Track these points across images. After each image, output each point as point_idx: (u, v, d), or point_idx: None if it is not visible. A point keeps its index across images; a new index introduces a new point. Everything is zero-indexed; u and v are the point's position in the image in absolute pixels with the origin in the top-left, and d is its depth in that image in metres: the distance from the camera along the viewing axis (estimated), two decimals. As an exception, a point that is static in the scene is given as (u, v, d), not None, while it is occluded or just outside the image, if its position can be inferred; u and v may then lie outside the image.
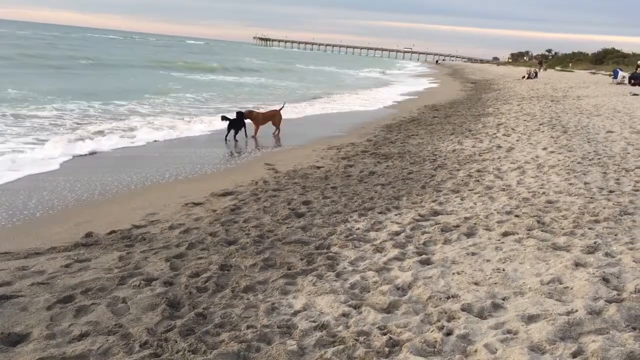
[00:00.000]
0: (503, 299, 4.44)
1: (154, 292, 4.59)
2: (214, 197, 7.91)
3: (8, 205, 7.13)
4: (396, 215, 7.09)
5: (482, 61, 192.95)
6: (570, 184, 8.49)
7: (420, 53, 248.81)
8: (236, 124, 13.49)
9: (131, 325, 4.04)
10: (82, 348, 3.70)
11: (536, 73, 48.72)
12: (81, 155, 10.49)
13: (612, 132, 14.23)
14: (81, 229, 6.32)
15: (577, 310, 4.04)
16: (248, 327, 4.05)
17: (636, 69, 36.42)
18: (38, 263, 5.26)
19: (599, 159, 10.58)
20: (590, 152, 11.27)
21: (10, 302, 4.37)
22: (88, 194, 7.89)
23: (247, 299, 4.60)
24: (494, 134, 14.47)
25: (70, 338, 3.86)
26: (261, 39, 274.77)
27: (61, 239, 5.99)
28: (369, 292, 4.70)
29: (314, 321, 4.16)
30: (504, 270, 5.03)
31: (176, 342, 3.80)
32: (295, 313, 4.33)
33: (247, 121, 13.79)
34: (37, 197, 7.53)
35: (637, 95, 25.54)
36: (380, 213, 7.18)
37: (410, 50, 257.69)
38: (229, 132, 13.39)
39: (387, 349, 3.68)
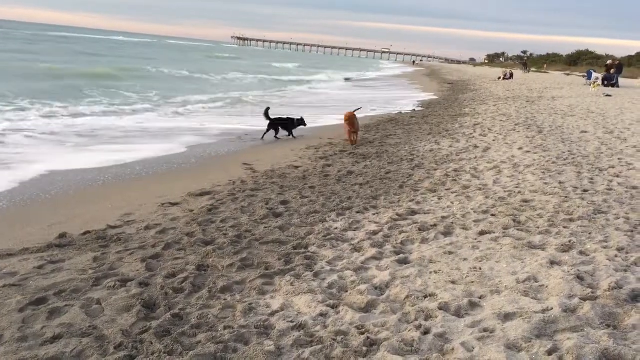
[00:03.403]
0: (480, 298, 4.47)
1: (129, 294, 4.52)
2: (191, 197, 7.84)
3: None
4: (374, 214, 7.10)
5: (459, 62, 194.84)
6: (546, 183, 8.59)
7: (398, 53, 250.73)
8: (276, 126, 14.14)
9: (106, 327, 3.98)
10: (56, 350, 3.64)
11: (512, 74, 49.23)
12: None
13: (586, 132, 14.44)
14: (55, 230, 6.21)
15: (552, 308, 4.08)
16: (225, 328, 4.02)
17: (606, 70, 37.04)
18: (10, 264, 5.15)
19: (573, 158, 10.73)
20: (564, 152, 11.42)
21: (-20, 305, 4.27)
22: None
23: (224, 299, 4.56)
24: (471, 134, 14.58)
25: (42, 340, 3.79)
26: (239, 38, 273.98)
27: (34, 240, 5.87)
28: (347, 291, 4.69)
29: (291, 321, 4.14)
30: (480, 269, 5.07)
31: (152, 343, 3.75)
32: (273, 313, 4.31)
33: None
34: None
35: (610, 96, 25.98)
36: (358, 212, 7.18)
37: (388, 50, 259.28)
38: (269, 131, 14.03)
39: (365, 349, 3.68)
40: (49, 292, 4.53)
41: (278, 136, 14.05)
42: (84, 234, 6.11)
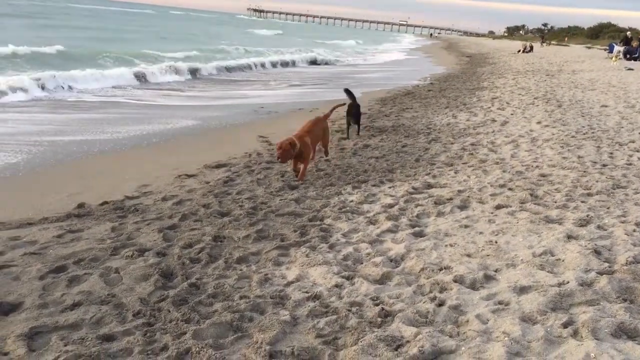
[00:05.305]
0: (495, 271, 4.46)
1: (146, 263, 4.58)
2: (207, 169, 7.87)
3: None
4: (390, 188, 7.09)
5: (477, 35, 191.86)
6: (564, 157, 8.50)
7: (415, 26, 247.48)
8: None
9: (124, 295, 4.05)
10: (75, 317, 3.71)
11: (532, 47, 48.45)
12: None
13: (606, 106, 14.21)
14: (74, 200, 6.28)
15: (568, 282, 4.06)
16: (241, 298, 4.06)
17: (626, 41, 36.25)
18: (30, 233, 5.23)
19: (593, 133, 10.58)
20: (584, 126, 11.27)
21: (2, 272, 4.36)
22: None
23: (240, 269, 4.60)
24: (489, 107, 14.42)
25: (63, 307, 3.86)
26: (255, 10, 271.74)
27: (54, 210, 5.95)
28: (362, 263, 4.71)
29: (306, 292, 4.17)
30: (496, 242, 5.05)
31: (169, 311, 3.81)
32: (288, 284, 4.34)
33: None
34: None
35: (632, 69, 25.47)
36: (373, 186, 7.17)
37: (405, 23, 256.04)
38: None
39: (379, 319, 3.70)
40: (68, 261, 4.61)
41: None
42: (102, 204, 6.18)
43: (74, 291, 4.10)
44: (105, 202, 6.23)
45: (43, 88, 14.56)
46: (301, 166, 7.43)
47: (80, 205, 6.09)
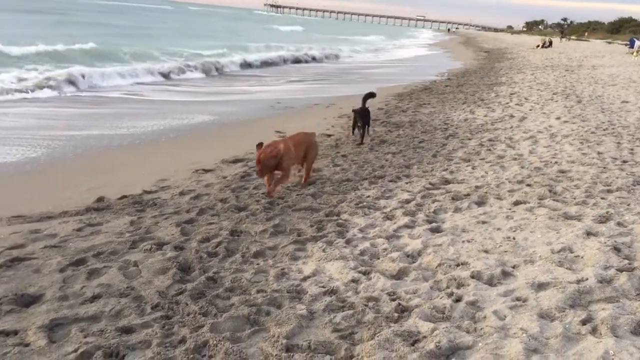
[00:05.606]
0: (513, 267, 4.44)
1: (165, 257, 4.62)
2: (224, 164, 7.91)
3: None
4: (407, 183, 7.07)
5: (496, 30, 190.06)
6: (584, 153, 8.41)
7: (432, 21, 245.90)
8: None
9: (143, 288, 4.09)
10: (95, 309, 3.75)
11: (551, 42, 47.91)
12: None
13: (627, 102, 14.03)
14: (93, 194, 6.35)
15: (587, 279, 4.03)
16: (258, 292, 4.08)
17: None
18: (50, 226, 5.30)
19: (613, 128, 10.46)
20: (604, 122, 11.14)
21: (23, 264, 4.43)
22: (99, 160, 7.89)
23: (257, 264, 4.62)
24: (507, 103, 14.30)
25: (82, 300, 3.91)
26: (272, 5, 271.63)
27: (73, 203, 6.02)
28: (379, 258, 4.71)
29: (323, 286, 4.18)
30: (514, 238, 5.02)
31: (187, 305, 3.84)
32: (305, 278, 4.36)
33: None
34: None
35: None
36: (390, 181, 7.15)
37: (423, 18, 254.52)
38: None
39: (396, 315, 3.71)
40: (87, 254, 4.66)
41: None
42: (121, 198, 6.24)
43: (94, 284, 4.14)
44: (124, 196, 6.29)
45: (71, 84, 14.70)
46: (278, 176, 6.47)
47: (100, 199, 6.16)
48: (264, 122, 11.75)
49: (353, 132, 9.74)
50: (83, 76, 15.48)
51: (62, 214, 5.71)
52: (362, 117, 9.51)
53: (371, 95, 10.01)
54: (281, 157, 6.19)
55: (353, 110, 9.54)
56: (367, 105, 9.69)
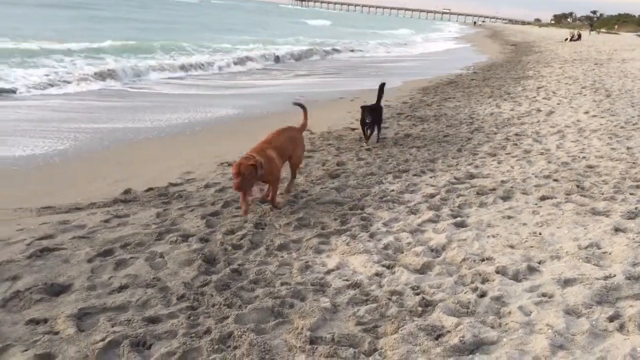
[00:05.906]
0: (539, 263, 4.39)
1: (190, 248, 4.68)
2: (249, 157, 7.93)
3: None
4: (431, 177, 7.03)
5: (523, 23, 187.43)
6: (612, 148, 8.27)
7: (459, 14, 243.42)
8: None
9: (169, 279, 4.14)
10: (122, 299, 3.82)
11: (580, 35, 47.09)
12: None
13: (658, 96, 13.73)
14: (119, 186, 6.44)
15: (615, 275, 3.97)
16: (282, 284, 4.11)
17: None
18: (79, 218, 5.40)
19: (643, 123, 10.25)
20: (634, 117, 10.92)
21: (53, 255, 4.52)
22: (126, 152, 7.99)
23: (281, 256, 4.65)
24: (534, 97, 14.11)
25: (110, 290, 3.98)
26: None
27: (101, 195, 6.12)
28: (403, 252, 4.70)
29: (347, 280, 4.19)
30: (540, 234, 4.97)
31: (212, 296, 3.89)
32: (329, 272, 4.37)
33: None
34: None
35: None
36: (415, 175, 7.12)
37: (448, 11, 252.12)
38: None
39: (420, 309, 3.70)
40: (115, 245, 4.74)
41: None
42: (147, 190, 6.32)
43: (121, 274, 4.21)
44: (150, 189, 6.36)
45: (104, 79, 14.91)
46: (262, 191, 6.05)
47: (126, 191, 6.24)
48: (287, 115, 11.75)
49: (363, 131, 8.97)
50: (112, 71, 15.66)
51: (90, 205, 5.81)
52: (370, 114, 8.79)
53: (382, 86, 9.30)
54: (268, 166, 5.40)
55: (362, 107, 8.90)
56: (381, 103, 9.10)
